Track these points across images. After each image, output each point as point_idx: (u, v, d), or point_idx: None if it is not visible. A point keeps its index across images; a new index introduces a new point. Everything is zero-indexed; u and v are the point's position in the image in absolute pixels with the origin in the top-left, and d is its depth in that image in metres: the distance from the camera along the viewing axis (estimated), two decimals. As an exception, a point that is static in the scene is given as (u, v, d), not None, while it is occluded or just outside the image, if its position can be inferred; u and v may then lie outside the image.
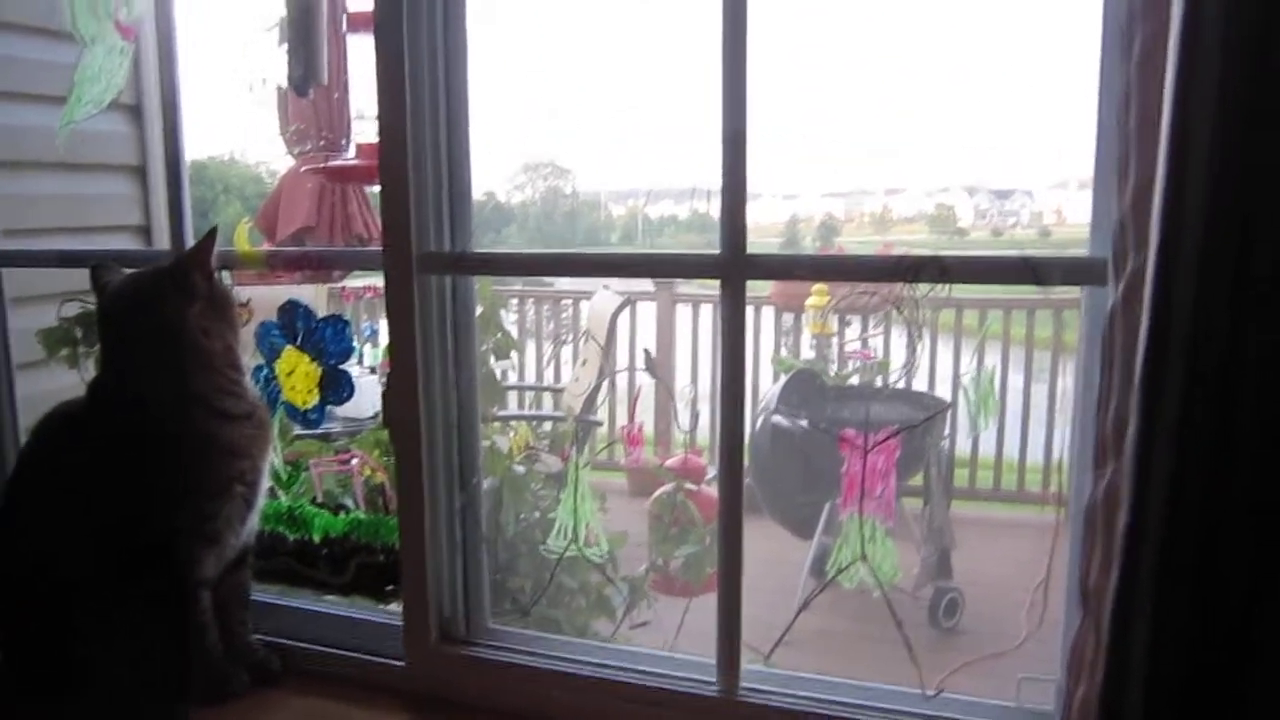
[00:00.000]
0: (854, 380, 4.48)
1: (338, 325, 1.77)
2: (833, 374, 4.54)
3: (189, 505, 1.60)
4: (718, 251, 1.48)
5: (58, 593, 1.59)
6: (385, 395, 1.67)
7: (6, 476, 1.97)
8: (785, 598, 3.49)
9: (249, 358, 1.79)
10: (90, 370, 1.85)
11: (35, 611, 1.62)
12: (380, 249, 1.64)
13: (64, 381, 1.92)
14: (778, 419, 3.89)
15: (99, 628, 1.58)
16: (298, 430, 2.01)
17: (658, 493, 2.80)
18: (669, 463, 3.00)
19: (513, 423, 2.32)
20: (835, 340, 5.16)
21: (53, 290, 1.99)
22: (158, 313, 1.59)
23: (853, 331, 5.25)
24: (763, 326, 5.47)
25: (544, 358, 5.87)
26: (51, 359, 1.95)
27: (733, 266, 1.48)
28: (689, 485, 2.69)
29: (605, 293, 4.51)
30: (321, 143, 3.17)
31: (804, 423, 3.87)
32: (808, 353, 5.30)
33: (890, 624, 1.60)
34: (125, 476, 1.57)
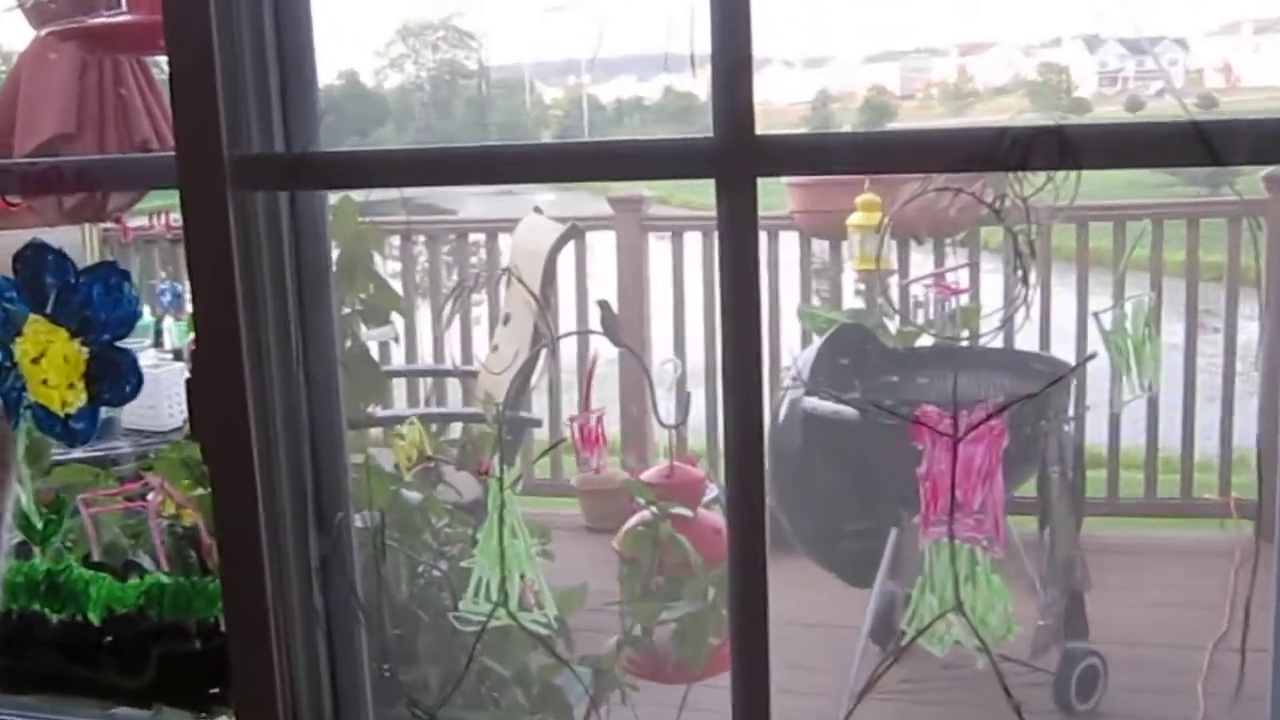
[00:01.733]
0: (926, 338, 4.49)
1: (111, 279, 1.75)
2: (893, 330, 4.54)
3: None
4: (709, 135, 1.47)
5: None
6: (191, 388, 1.66)
7: None
8: (836, 677, 3.51)
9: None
10: None
11: None
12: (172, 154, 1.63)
13: None
14: (812, 402, 3.88)
15: None
16: (56, 452, 2.01)
17: (631, 523, 2.80)
18: (647, 476, 3.00)
19: (401, 427, 2.34)
20: (894, 279, 5.18)
21: None
22: None
23: (921, 263, 5.27)
24: (783, 261, 5.52)
25: (445, 322, 5.89)
26: None
27: (734, 157, 1.47)
28: (679, 510, 2.69)
29: (537, 219, 4.51)
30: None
31: (852, 406, 3.87)
32: (853, 300, 5.32)
33: (1001, 708, 1.59)
34: None
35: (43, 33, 3.18)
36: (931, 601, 1.52)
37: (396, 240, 5.94)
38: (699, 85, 1.48)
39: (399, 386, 5.51)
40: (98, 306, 1.77)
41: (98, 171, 1.93)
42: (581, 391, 1.89)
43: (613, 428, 5.15)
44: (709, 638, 2.51)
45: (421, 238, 6.10)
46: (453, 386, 5.33)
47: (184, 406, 3.46)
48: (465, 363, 5.22)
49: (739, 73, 1.45)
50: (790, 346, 5.18)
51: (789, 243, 5.51)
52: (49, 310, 1.80)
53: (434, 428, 4.02)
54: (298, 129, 1.66)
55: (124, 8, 2.60)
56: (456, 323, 5.25)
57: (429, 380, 5.47)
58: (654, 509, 2.67)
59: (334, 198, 2.08)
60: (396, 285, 5.17)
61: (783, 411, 3.94)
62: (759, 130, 1.46)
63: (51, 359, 1.80)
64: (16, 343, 1.82)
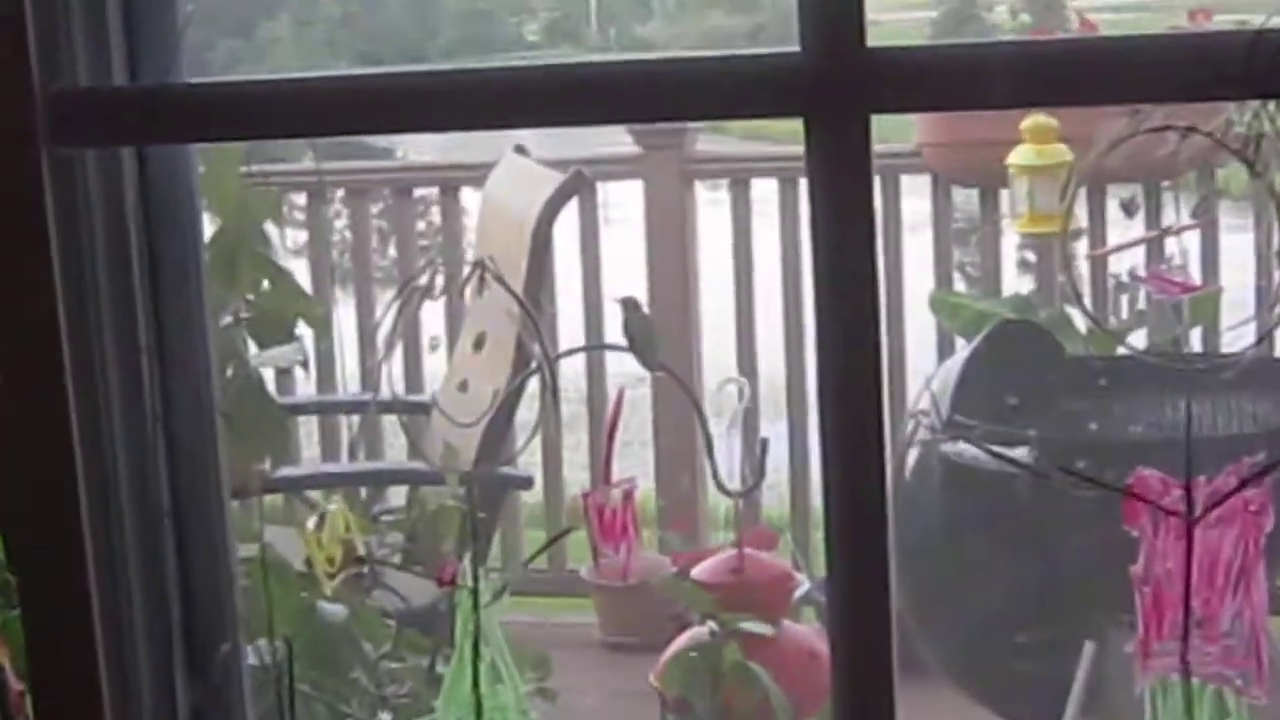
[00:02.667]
0: (1137, 338, 4.49)
1: None
2: (1083, 329, 4.54)
3: None
4: (794, 50, 1.48)
5: None
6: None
7: None
8: None
9: None
10: None
11: None
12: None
13: None
14: (956, 450, 3.88)
15: None
16: None
17: (679, 645, 2.79)
18: (702, 571, 3.01)
19: (316, 498, 2.32)
20: (1083, 246, 5.17)
21: None
22: None
23: (1121, 226, 5.24)
24: (907, 221, 5.59)
25: (382, 347, 5.81)
26: None
27: (833, 83, 1.49)
28: (752, 626, 2.70)
29: (519, 164, 4.54)
30: None
31: (1019, 452, 3.87)
32: (1016, 279, 5.32)
33: None
34: None
35: None
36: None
37: (302, 199, 6.01)
38: None
39: (306, 426, 5.61)
40: None
41: None
42: (605, 441, 1.90)
43: (645, 488, 5.15)
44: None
45: (340, 193, 6.21)
46: (390, 429, 5.36)
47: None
48: (412, 390, 5.25)
49: None
50: (919, 357, 5.19)
51: (916, 190, 5.58)
52: None
53: (363, 494, 4.04)
54: (149, 46, 1.69)
55: None
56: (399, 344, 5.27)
57: (354, 419, 5.49)
58: (714, 623, 2.68)
59: (207, 148, 2.10)
60: (302, 273, 5.25)
61: (911, 462, 3.95)
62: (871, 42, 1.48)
63: None
64: None
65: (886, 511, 1.55)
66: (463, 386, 3.92)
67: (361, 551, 2.02)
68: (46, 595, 1.70)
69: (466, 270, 2.09)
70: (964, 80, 1.56)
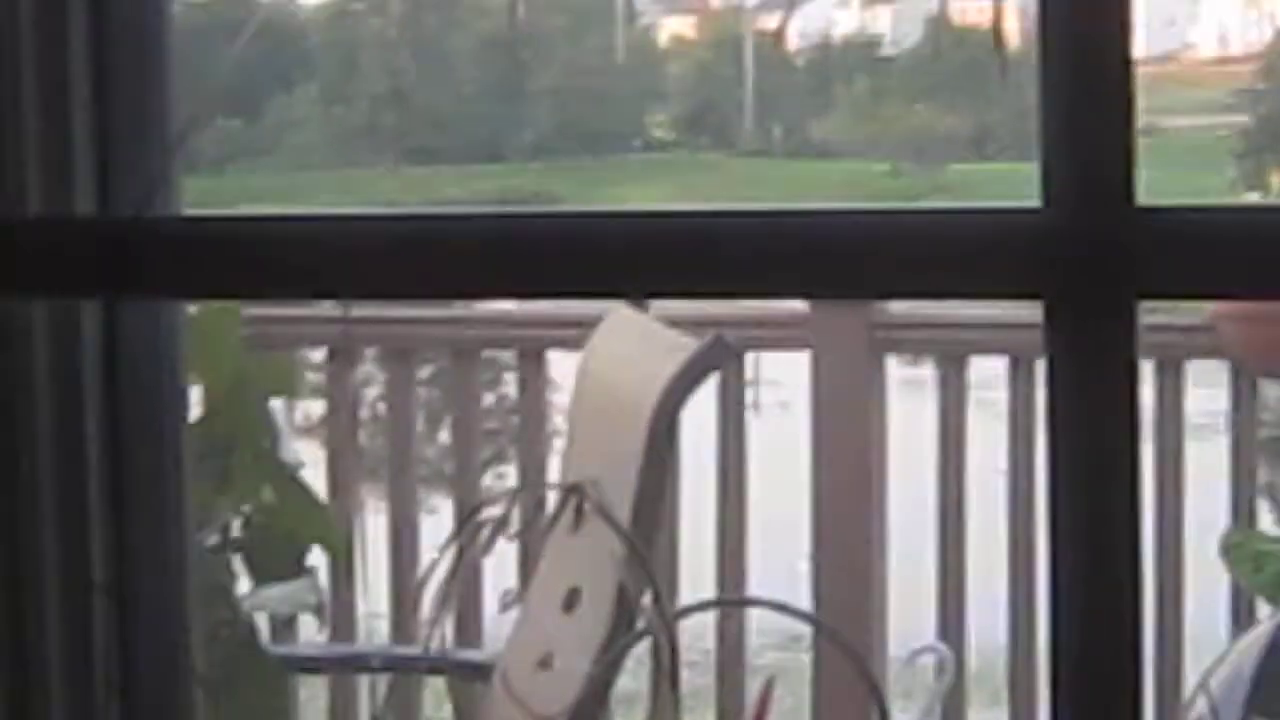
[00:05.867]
0: None
1: None
2: None
3: None
4: (1034, 206, 1.51)
5: None
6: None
7: None
8: None
9: None
10: None
11: None
12: None
13: None
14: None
15: None
16: None
17: None
18: None
19: None
20: None
21: None
22: None
23: None
24: (1187, 424, 5.54)
25: (434, 605, 5.81)
26: None
27: (1091, 256, 1.52)
28: None
29: (634, 320, 4.54)
30: None
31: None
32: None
33: None
34: None
35: None
36: None
37: (319, 355, 6.09)
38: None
39: (310, 689, 5.50)
40: None
41: None
42: None
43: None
44: None
45: (373, 350, 6.24)
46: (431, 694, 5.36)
47: None
48: (465, 639, 5.24)
49: (1105, 83, 1.50)
50: (1200, 627, 5.17)
51: (1206, 379, 5.59)
52: None
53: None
54: (128, 165, 1.73)
55: None
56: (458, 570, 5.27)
57: (379, 679, 5.46)
58: None
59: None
60: (314, 463, 5.27)
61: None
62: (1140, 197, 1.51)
63: None
64: None
65: None
66: (546, 662, 3.91)
67: None
68: None
69: (556, 499, 2.09)
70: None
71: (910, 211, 1.64)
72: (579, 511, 2.05)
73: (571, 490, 2.03)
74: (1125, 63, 1.49)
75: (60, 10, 1.75)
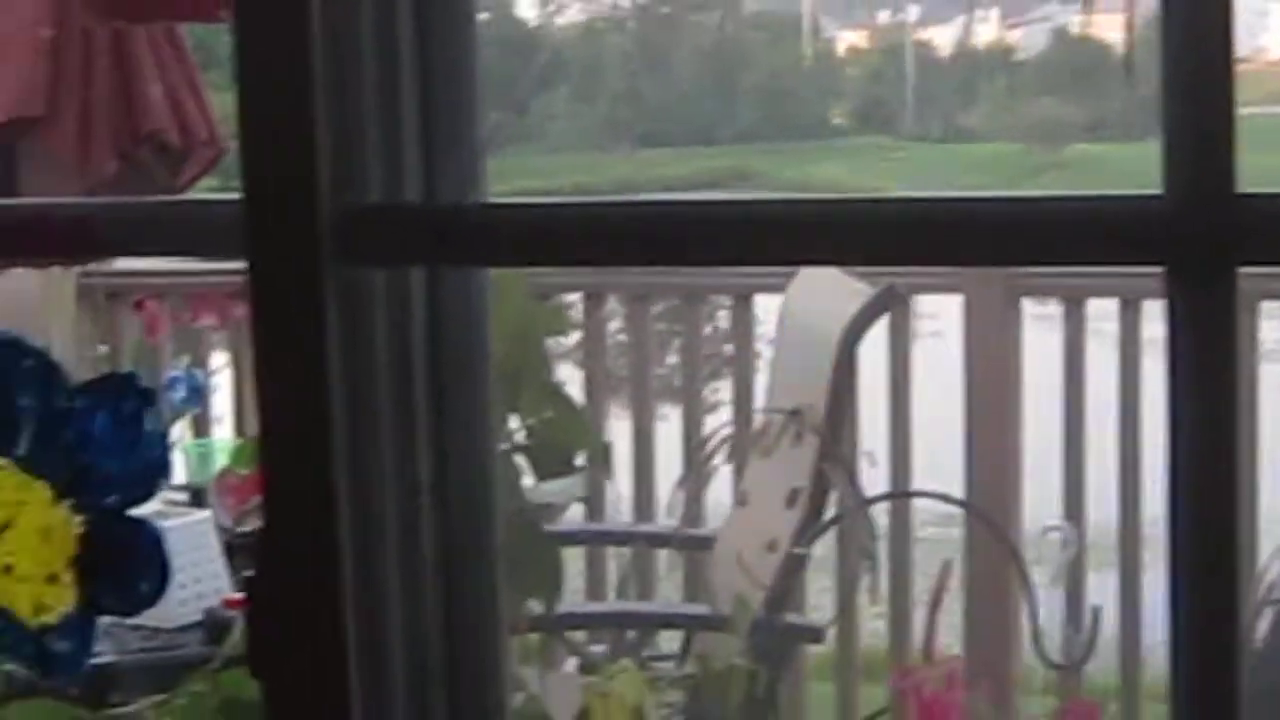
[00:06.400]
0: None
1: (123, 405, 1.84)
2: None
3: None
4: (1156, 194, 1.48)
5: None
6: (252, 592, 1.72)
7: None
8: None
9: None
10: None
11: None
12: (240, 198, 1.68)
13: None
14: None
15: None
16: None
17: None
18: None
19: (604, 671, 2.32)
20: None
21: None
22: None
23: None
24: (1263, 350, 5.58)
25: (684, 498, 5.88)
26: None
27: (1201, 234, 1.50)
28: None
29: (823, 271, 4.52)
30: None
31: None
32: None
33: None
34: None
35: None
36: None
37: (573, 297, 6.10)
38: (1109, 28, 1.50)
39: (574, 564, 5.48)
40: (101, 449, 1.85)
41: (106, 220, 1.98)
42: (926, 621, 1.90)
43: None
44: None
45: (613, 300, 6.28)
46: (659, 562, 5.38)
47: (206, 592, 3.56)
48: (689, 522, 5.25)
49: (1211, 87, 1.47)
50: (1274, 506, 5.13)
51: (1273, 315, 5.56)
52: (21, 451, 1.88)
53: (643, 656, 4.06)
54: (447, 160, 1.74)
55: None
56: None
57: (625, 550, 5.47)
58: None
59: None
60: (572, 388, 5.28)
61: (1261, 634, 3.89)
62: (1242, 183, 1.47)
63: (22, 533, 1.88)
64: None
65: (1240, 685, 1.53)
66: (772, 546, 3.93)
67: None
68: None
69: (778, 419, 2.10)
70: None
71: (1057, 199, 1.63)
72: (799, 429, 2.06)
73: (794, 413, 2.03)
74: (1229, 65, 1.47)
75: (391, 34, 1.75)
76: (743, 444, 4.81)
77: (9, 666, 1.97)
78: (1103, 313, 5.71)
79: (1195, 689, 1.55)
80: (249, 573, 1.76)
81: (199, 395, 4.71)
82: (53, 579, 1.88)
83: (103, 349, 5.90)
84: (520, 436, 2.52)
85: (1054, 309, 5.81)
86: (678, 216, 1.83)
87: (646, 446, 6.09)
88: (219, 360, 5.99)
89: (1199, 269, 1.51)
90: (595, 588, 5.73)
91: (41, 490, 1.88)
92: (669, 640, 4.47)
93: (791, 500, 3.87)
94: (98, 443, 1.85)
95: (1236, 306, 1.52)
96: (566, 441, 2.54)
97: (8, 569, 1.89)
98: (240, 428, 5.71)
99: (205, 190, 4.73)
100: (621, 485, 5.69)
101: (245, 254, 1.69)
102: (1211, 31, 1.45)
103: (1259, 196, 1.50)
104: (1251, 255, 1.52)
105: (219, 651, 2.33)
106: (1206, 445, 1.53)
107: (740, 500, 4.01)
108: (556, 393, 2.55)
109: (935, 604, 2.03)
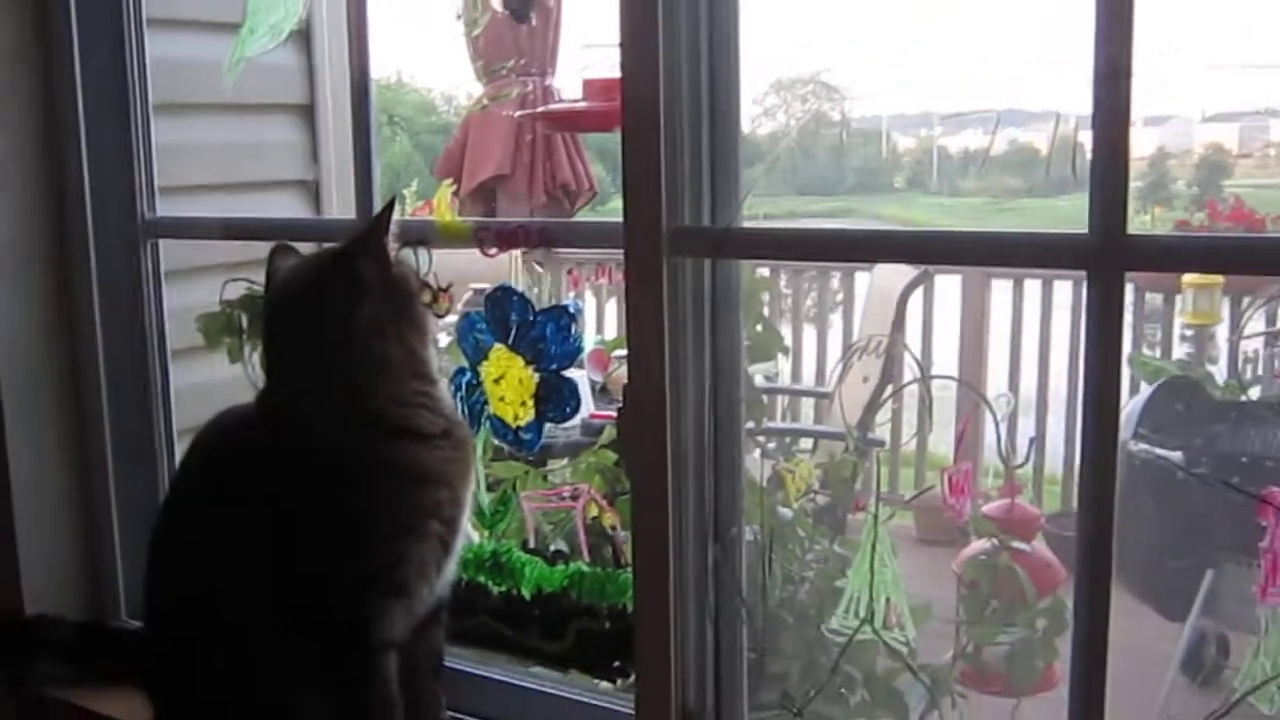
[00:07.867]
0: (1255, 392, 4.27)
1: (562, 320, 1.87)
2: (1220, 383, 4.33)
3: (372, 547, 1.70)
4: (1082, 232, 1.45)
5: (206, 650, 1.76)
6: (622, 416, 1.73)
7: (165, 485, 2.21)
8: (1145, 699, 3.39)
9: (448, 359, 1.92)
10: (256, 365, 2.01)
11: (177, 670, 1.80)
12: (620, 221, 1.71)
13: (226, 372, 2.11)
14: (1138, 447, 3.76)
15: (255, 698, 1.73)
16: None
17: (972, 551, 2.74)
18: (989, 509, 2.95)
19: (786, 458, 2.31)
20: (1221, 330, 4.94)
21: (213, 261, 2.20)
22: (319, 312, 1.67)
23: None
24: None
25: (803, 350, 5.98)
26: (212, 349, 2.15)
27: (1106, 254, 1.45)
28: (1017, 544, 2.64)
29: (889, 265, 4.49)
30: (524, 76, 3.32)
31: (1176, 454, 3.73)
32: (1180, 349, 5.10)
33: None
34: (293, 511, 1.70)
35: (515, 114, 3.47)
36: (1264, 664, 1.47)
37: (764, 273, 6.05)
38: (1039, 137, 1.46)
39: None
40: (550, 341, 1.89)
41: (558, 230, 1.99)
42: (956, 448, 1.88)
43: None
44: (1036, 661, 2.47)
45: (785, 271, 6.13)
46: (806, 407, 5.40)
47: (582, 407, 3.60)
48: (819, 385, 5.30)
49: (1117, 176, 1.43)
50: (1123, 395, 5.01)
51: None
52: (510, 341, 1.93)
53: (794, 449, 4.03)
54: (723, 200, 1.72)
55: (581, 96, 2.73)
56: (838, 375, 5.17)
57: (786, 399, 5.49)
58: (995, 541, 2.64)
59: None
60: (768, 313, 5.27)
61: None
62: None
63: (509, 381, 1.93)
64: (483, 365, 1.95)
65: (1115, 489, 1.54)
66: (865, 379, 3.88)
67: (813, 485, 2.03)
68: (646, 495, 1.75)
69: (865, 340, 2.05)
70: (1184, 257, 1.62)
71: (1033, 235, 1.58)
72: (877, 345, 2.05)
73: (872, 337, 2.05)
74: (1125, 162, 1.42)
75: (697, 138, 1.70)
76: (850, 350, 4.83)
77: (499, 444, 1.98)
78: (1034, 289, 5.58)
79: (1091, 498, 1.55)
80: (618, 406, 1.78)
81: (580, 313, 4.74)
82: (524, 404, 1.93)
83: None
84: (746, 342, 2.50)
85: (1008, 285, 5.68)
86: (836, 236, 1.84)
87: (799, 351, 6.06)
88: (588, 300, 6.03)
89: (1105, 273, 1.47)
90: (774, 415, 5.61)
91: (519, 360, 1.93)
92: (806, 443, 4.43)
93: (865, 380, 3.81)
94: (548, 338, 1.89)
95: (1124, 293, 1.48)
96: (769, 345, 2.51)
97: (501, 398, 1.95)
98: (599, 329, 5.83)
99: (584, 215, 4.82)
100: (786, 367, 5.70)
101: (624, 248, 1.71)
102: (1116, 142, 1.42)
103: (1139, 236, 1.45)
104: (1135, 267, 1.52)
105: (594, 441, 2.33)
106: (1102, 391, 1.50)
107: (865, 378, 3.97)
108: (766, 320, 2.51)
109: (961, 438, 2.03)
